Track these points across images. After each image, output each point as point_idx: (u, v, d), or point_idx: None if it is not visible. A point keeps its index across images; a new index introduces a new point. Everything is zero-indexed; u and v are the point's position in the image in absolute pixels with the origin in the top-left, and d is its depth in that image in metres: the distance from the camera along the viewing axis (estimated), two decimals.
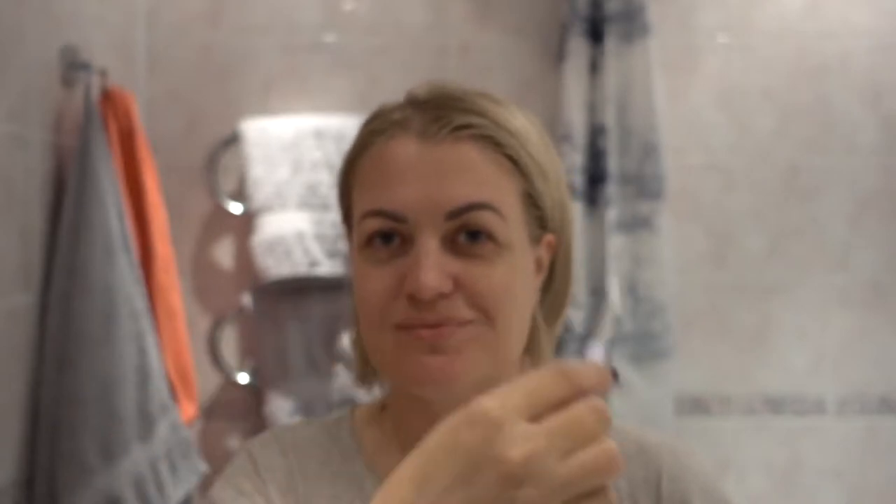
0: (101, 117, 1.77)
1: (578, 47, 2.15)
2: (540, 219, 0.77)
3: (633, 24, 2.13)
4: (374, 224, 0.74)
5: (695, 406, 2.31)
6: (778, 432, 2.32)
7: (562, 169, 0.80)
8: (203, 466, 1.96)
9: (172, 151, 2.24)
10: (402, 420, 0.82)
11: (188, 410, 2.01)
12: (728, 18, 2.30)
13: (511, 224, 0.74)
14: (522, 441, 0.49)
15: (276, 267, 2.10)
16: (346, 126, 2.16)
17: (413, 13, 2.28)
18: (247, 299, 2.19)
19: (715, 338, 2.32)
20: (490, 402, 0.50)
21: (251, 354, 2.24)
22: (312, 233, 2.12)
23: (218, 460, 2.21)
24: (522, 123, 0.77)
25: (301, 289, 2.17)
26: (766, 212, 2.31)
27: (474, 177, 0.73)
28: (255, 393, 2.23)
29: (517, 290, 0.75)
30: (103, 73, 1.83)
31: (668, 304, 2.15)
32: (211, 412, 2.27)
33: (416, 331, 0.73)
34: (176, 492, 1.85)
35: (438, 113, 0.74)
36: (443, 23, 2.28)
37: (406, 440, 0.81)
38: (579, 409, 0.51)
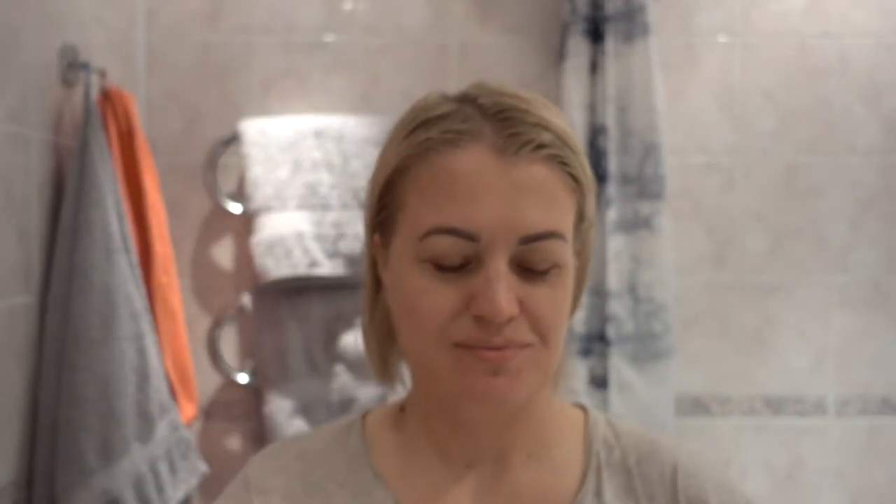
0: (100, 117, 1.77)
1: (578, 47, 2.15)
2: (581, 229, 0.78)
3: (634, 24, 2.13)
4: (445, 242, 0.71)
5: (695, 406, 2.31)
6: (778, 433, 2.32)
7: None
8: (203, 467, 1.96)
9: (172, 151, 2.24)
10: (428, 424, 0.81)
11: (188, 411, 2.00)
12: (728, 18, 2.30)
13: (569, 244, 0.75)
14: None
15: (275, 267, 2.09)
16: (345, 126, 2.16)
17: (413, 13, 2.27)
18: (246, 299, 2.19)
19: (715, 338, 2.32)
20: None
21: (251, 355, 2.23)
22: (312, 233, 2.11)
23: (218, 461, 2.21)
24: (575, 135, 0.76)
25: (301, 289, 2.17)
26: (767, 212, 2.31)
27: (547, 200, 0.72)
28: (255, 393, 2.22)
29: (567, 309, 0.76)
30: (103, 74, 1.83)
31: (668, 304, 2.15)
32: (210, 412, 2.27)
33: (478, 351, 0.72)
34: (175, 492, 1.85)
35: (513, 126, 0.72)
36: (443, 23, 2.28)
37: (432, 444, 0.81)
38: None
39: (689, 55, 2.30)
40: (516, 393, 0.73)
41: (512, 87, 0.76)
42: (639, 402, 2.12)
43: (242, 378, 2.23)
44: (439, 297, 0.72)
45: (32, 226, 1.65)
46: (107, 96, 1.84)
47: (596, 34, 2.16)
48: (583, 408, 0.87)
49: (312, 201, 2.13)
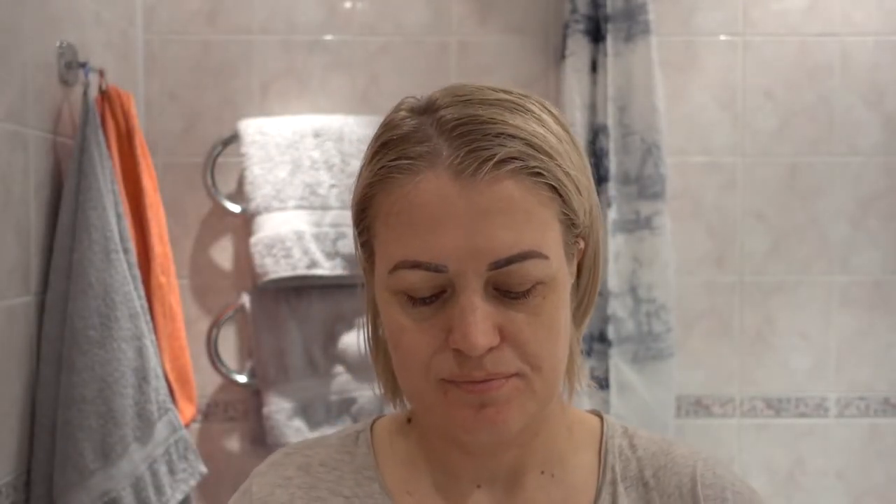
0: (99, 117, 1.76)
1: (579, 46, 2.14)
2: (575, 233, 0.73)
3: (634, 24, 2.13)
4: (414, 277, 0.68)
5: (696, 407, 2.30)
6: (779, 433, 2.32)
7: (586, 162, 0.74)
8: (202, 468, 1.95)
9: (171, 151, 2.23)
10: (428, 441, 0.79)
11: (187, 411, 2.00)
12: (729, 18, 2.29)
13: (554, 258, 0.69)
14: None
15: (274, 267, 2.09)
16: (345, 126, 2.16)
17: (413, 13, 2.27)
18: (245, 299, 2.19)
19: (716, 338, 2.31)
20: None
21: (250, 355, 2.23)
22: (311, 233, 2.11)
23: (217, 461, 2.20)
24: (554, 131, 0.70)
25: (300, 289, 2.16)
26: (768, 212, 2.30)
27: (517, 219, 0.67)
28: (254, 393, 2.22)
29: (562, 326, 0.71)
30: (101, 73, 1.83)
31: (668, 304, 2.15)
32: (210, 413, 2.26)
33: (463, 385, 0.69)
34: (174, 493, 1.84)
35: (472, 142, 0.66)
36: (443, 22, 2.27)
37: (440, 462, 0.79)
38: None
39: (689, 55, 2.29)
40: (506, 423, 0.69)
41: (487, 89, 0.70)
42: (639, 403, 2.12)
43: (241, 378, 2.22)
44: (418, 334, 0.69)
45: (31, 225, 1.64)
46: (106, 96, 1.83)
47: (596, 33, 2.15)
48: (599, 415, 0.84)
49: (312, 201, 2.12)
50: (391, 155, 0.69)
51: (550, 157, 0.68)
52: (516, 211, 0.67)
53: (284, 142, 2.14)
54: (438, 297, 0.68)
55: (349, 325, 2.18)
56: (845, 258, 2.31)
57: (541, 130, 0.69)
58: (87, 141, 1.70)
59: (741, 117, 2.30)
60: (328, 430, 1.49)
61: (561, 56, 2.18)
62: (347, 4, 2.27)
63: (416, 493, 0.78)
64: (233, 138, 2.17)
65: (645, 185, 2.14)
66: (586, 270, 0.77)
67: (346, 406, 2.18)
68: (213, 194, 2.20)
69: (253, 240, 2.11)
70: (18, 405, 1.61)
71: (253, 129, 2.15)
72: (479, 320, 0.66)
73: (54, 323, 1.66)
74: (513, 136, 0.67)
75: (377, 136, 0.72)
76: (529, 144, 0.67)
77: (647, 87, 2.13)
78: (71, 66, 1.77)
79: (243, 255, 2.22)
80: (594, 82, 2.16)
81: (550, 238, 0.69)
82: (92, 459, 1.64)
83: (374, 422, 0.85)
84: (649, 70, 2.13)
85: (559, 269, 0.70)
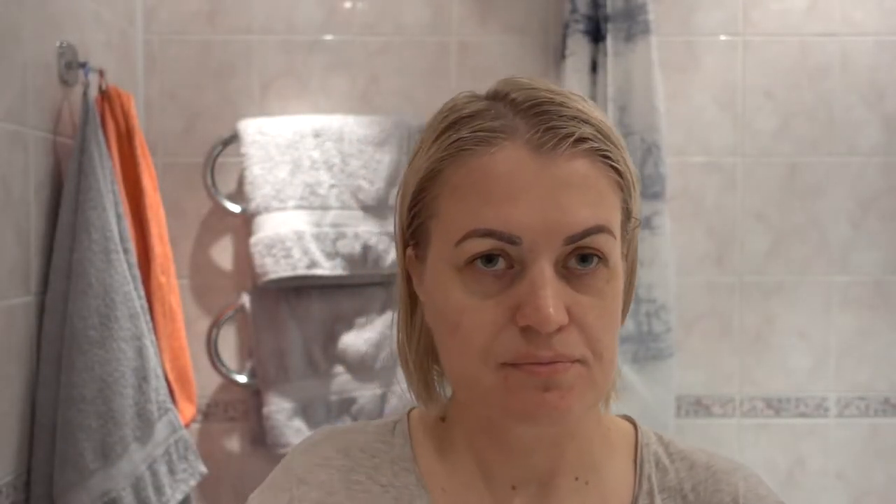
0: (99, 117, 1.76)
1: (578, 46, 2.14)
2: (628, 228, 0.73)
3: (634, 24, 2.13)
4: (482, 245, 0.66)
5: (696, 407, 2.30)
6: (779, 433, 2.32)
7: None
8: (202, 468, 1.95)
9: (171, 151, 2.23)
10: (471, 442, 0.77)
11: (187, 411, 2.00)
12: (729, 17, 2.29)
13: (617, 243, 0.70)
14: None
15: (274, 267, 2.09)
16: (345, 126, 2.16)
17: (413, 13, 2.27)
18: (245, 299, 2.19)
19: (716, 338, 2.31)
20: None
21: (250, 355, 2.23)
22: (311, 233, 2.11)
23: (217, 461, 2.20)
24: (614, 128, 0.72)
25: (300, 289, 2.16)
26: (768, 212, 2.30)
27: (592, 196, 0.67)
28: (254, 393, 2.22)
29: (619, 317, 0.71)
30: (101, 73, 1.83)
31: (668, 304, 2.15)
32: (210, 413, 2.26)
33: (527, 367, 0.67)
34: (174, 493, 1.84)
35: (550, 121, 0.67)
36: (443, 22, 2.27)
37: (475, 462, 0.77)
38: None
39: (689, 55, 2.29)
40: (568, 409, 0.67)
41: (544, 81, 0.71)
42: (639, 403, 2.12)
43: (241, 378, 2.22)
44: (480, 313, 0.67)
45: (31, 225, 1.64)
46: (106, 96, 1.83)
47: (596, 33, 2.15)
48: (632, 422, 0.82)
49: (312, 201, 2.12)
50: (464, 131, 0.69)
51: (616, 146, 0.70)
52: (591, 188, 0.67)
53: (284, 142, 2.14)
54: (505, 276, 0.67)
55: (349, 325, 2.18)
56: (845, 258, 2.31)
57: (608, 121, 0.71)
58: (87, 141, 1.70)
59: (741, 117, 2.30)
60: None
61: (561, 56, 2.18)
62: (347, 4, 2.27)
63: (450, 489, 0.77)
64: (233, 138, 2.17)
65: (645, 185, 2.14)
66: (626, 278, 0.75)
67: (346, 406, 2.18)
68: (213, 194, 2.19)
69: (253, 240, 2.11)
70: (18, 405, 1.61)
71: (253, 129, 2.15)
72: (552, 295, 0.65)
73: (54, 323, 1.66)
74: (585, 121, 0.68)
75: (442, 119, 0.72)
76: (600, 131, 0.69)
77: (647, 87, 2.13)
78: (71, 66, 1.77)
79: (243, 255, 2.22)
80: (594, 82, 2.16)
81: (616, 222, 0.70)
82: (92, 459, 1.64)
83: (409, 413, 0.83)
84: (649, 70, 2.13)
85: (619, 256, 0.71)
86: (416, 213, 0.72)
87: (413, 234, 0.74)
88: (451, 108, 0.72)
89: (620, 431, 0.81)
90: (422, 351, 0.78)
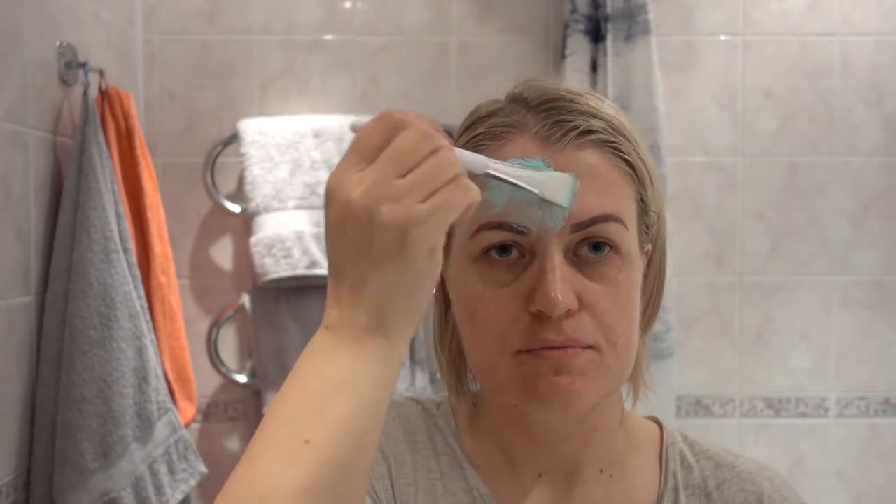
0: (99, 117, 1.76)
1: (579, 46, 2.14)
2: (647, 227, 0.75)
3: (634, 23, 2.13)
4: (495, 237, 0.70)
5: (696, 407, 2.30)
6: (779, 433, 2.32)
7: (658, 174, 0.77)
8: (202, 468, 1.95)
9: (171, 151, 2.23)
10: (498, 430, 0.79)
11: (187, 411, 2.00)
12: (729, 17, 2.29)
13: (631, 234, 0.72)
14: (357, 183, 0.57)
15: (274, 267, 2.09)
16: (345, 126, 2.16)
17: (413, 13, 2.27)
18: (245, 299, 2.19)
19: (716, 338, 2.31)
20: (331, 177, 0.58)
21: (250, 355, 2.23)
22: (311, 233, 2.11)
23: (217, 461, 2.20)
24: (630, 124, 0.74)
25: (300, 289, 2.16)
26: (768, 212, 2.30)
27: (600, 185, 0.70)
28: (254, 393, 2.22)
29: (636, 307, 0.73)
30: (101, 73, 1.83)
31: (668, 304, 2.15)
32: (210, 413, 2.26)
33: (540, 352, 0.69)
34: (174, 493, 1.84)
35: (557, 116, 0.71)
36: (443, 22, 2.27)
37: (502, 450, 0.78)
38: (405, 141, 0.57)
39: (689, 55, 2.29)
40: (581, 394, 0.69)
41: (563, 83, 0.75)
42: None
43: (241, 378, 2.22)
44: (496, 300, 0.70)
45: (31, 225, 1.64)
46: (105, 96, 1.83)
47: (596, 33, 2.15)
48: (657, 422, 0.84)
49: (312, 201, 2.12)
50: (481, 129, 0.73)
51: (628, 140, 0.72)
52: (599, 178, 0.70)
53: (284, 142, 2.14)
54: (518, 264, 0.70)
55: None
56: (845, 258, 2.31)
57: (622, 118, 0.73)
58: (87, 141, 1.70)
59: (741, 117, 2.30)
60: None
61: (561, 56, 2.18)
62: (347, 4, 2.27)
63: (485, 469, 0.79)
64: (233, 138, 2.17)
65: None
66: (652, 277, 0.78)
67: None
68: (213, 194, 2.19)
69: (253, 240, 2.11)
70: (18, 405, 1.61)
71: (253, 129, 2.15)
72: (560, 279, 0.67)
73: (54, 323, 1.66)
74: (596, 116, 0.71)
75: (465, 122, 0.76)
76: (611, 125, 0.72)
77: (647, 87, 2.13)
78: (71, 66, 1.77)
79: (243, 255, 2.22)
80: (594, 82, 2.16)
81: (628, 212, 0.72)
82: (92, 459, 1.64)
83: (448, 397, 0.85)
84: (649, 70, 2.13)
85: (634, 248, 0.72)
86: None
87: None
88: (473, 111, 0.76)
89: (645, 430, 0.83)
90: (454, 349, 0.80)
